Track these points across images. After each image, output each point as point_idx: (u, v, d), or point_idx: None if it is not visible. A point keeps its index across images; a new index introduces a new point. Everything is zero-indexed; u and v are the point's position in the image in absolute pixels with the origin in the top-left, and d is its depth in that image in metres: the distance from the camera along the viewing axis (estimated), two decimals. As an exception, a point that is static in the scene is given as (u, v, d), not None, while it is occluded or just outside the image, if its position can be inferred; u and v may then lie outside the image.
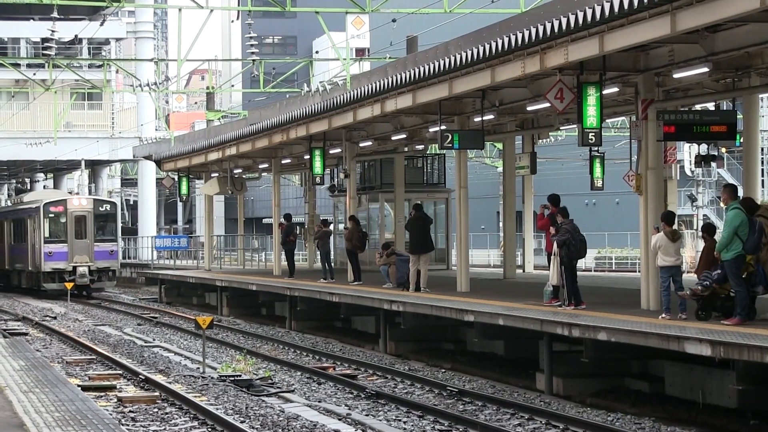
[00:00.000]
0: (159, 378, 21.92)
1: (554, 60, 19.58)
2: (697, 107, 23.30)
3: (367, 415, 17.81)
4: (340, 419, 17.47)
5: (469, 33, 23.05)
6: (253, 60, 41.26)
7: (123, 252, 60.79)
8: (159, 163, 50.71)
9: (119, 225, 55.13)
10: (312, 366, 23.64)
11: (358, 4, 32.80)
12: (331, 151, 35.19)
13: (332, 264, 34.81)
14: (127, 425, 16.89)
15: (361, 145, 34.41)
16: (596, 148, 24.27)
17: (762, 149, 54.19)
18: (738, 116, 21.77)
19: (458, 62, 22.22)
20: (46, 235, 49.11)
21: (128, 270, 61.48)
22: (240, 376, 21.95)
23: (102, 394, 20.07)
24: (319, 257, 37.40)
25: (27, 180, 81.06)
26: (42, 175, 78.99)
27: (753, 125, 24.13)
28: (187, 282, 43.85)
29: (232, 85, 75.16)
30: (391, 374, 22.38)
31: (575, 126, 22.05)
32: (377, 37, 67.54)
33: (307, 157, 35.16)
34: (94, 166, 68.57)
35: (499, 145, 41.16)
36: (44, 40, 49.65)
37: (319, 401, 19.22)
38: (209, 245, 47.70)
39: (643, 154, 20.21)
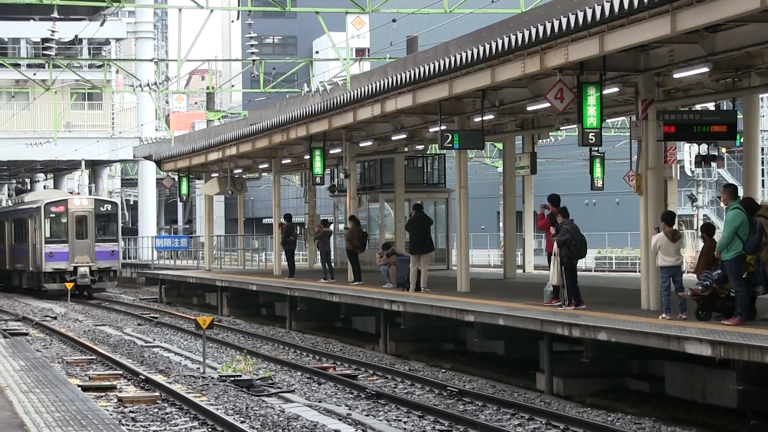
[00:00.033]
0: (159, 378, 21.92)
1: (554, 60, 19.58)
2: (698, 107, 23.30)
3: (367, 416, 17.81)
4: (340, 419, 17.47)
5: (469, 33, 23.05)
6: (253, 60, 41.26)
7: (123, 252, 60.73)
8: (159, 163, 50.72)
9: (120, 225, 55.11)
10: (312, 366, 23.64)
11: (358, 4, 32.80)
12: (332, 151, 35.19)
13: (332, 264, 34.80)
14: (128, 425, 16.89)
15: (361, 145, 34.41)
16: (596, 148, 24.28)
17: (762, 149, 54.19)
18: (738, 116, 21.77)
19: (458, 62, 22.22)
20: (47, 235, 49.06)
21: (128, 270, 61.48)
22: (240, 376, 21.95)
23: (102, 394, 20.07)
24: (319, 257, 37.40)
25: (27, 180, 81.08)
26: (42, 175, 79.01)
27: (753, 125, 24.13)
28: (187, 282, 43.86)
29: (232, 86, 75.17)
30: (392, 374, 22.38)
31: (575, 126, 22.05)
32: (377, 37, 67.53)
33: (307, 157, 35.16)
34: (95, 167, 68.58)
35: (499, 145, 41.17)
36: (44, 40, 49.69)
37: (320, 401, 19.22)
38: (209, 245, 47.71)
39: (643, 154, 20.21)
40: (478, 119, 25.81)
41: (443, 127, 26.16)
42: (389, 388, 20.81)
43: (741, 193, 21.93)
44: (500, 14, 30.07)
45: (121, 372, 22.94)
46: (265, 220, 78.80)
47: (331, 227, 38.58)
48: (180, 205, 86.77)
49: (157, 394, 19.85)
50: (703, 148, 26.07)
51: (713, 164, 29.79)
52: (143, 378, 21.56)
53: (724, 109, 23.50)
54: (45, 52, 46.36)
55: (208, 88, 57.79)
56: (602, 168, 27.38)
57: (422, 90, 25.14)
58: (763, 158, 54.88)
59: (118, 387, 20.93)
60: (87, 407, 15.35)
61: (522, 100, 24.71)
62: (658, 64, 19.94)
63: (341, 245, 40.24)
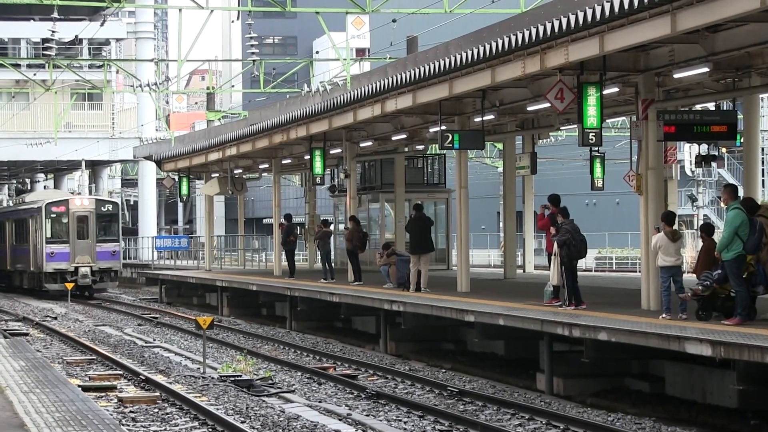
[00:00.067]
0: (159, 378, 21.92)
1: (554, 60, 19.58)
2: (698, 107, 23.29)
3: (367, 416, 17.81)
4: (340, 419, 17.47)
5: (470, 33, 23.05)
6: (254, 60, 41.26)
7: (123, 252, 60.75)
8: (159, 163, 50.71)
9: (120, 225, 55.10)
10: (312, 366, 23.64)
11: (358, 4, 32.80)
12: (332, 152, 35.19)
13: (332, 264, 34.80)
14: (128, 425, 16.89)
15: (361, 145, 34.42)
16: (596, 148, 24.29)
17: (762, 149, 54.18)
18: (738, 116, 21.77)
19: (458, 62, 22.22)
20: (48, 235, 49.01)
21: (129, 270, 61.46)
22: (240, 376, 21.95)
23: (102, 394, 20.07)
24: (319, 257, 37.40)
25: (27, 180, 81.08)
26: (42, 175, 79.01)
27: (753, 125, 24.13)
28: (187, 282, 43.86)
29: (233, 86, 75.15)
30: (392, 374, 22.38)
31: (575, 126, 22.06)
32: (377, 38, 67.53)
33: (307, 157, 35.16)
34: (95, 167, 68.57)
35: (500, 145, 41.16)
36: (44, 40, 49.68)
37: (320, 401, 19.22)
38: (209, 245, 47.71)
39: (643, 154, 20.22)
40: (478, 119, 25.81)
41: (443, 127, 26.16)
42: (389, 388, 20.81)
43: (741, 193, 21.94)
44: (500, 14, 30.06)
45: (121, 372, 22.94)
46: (265, 221, 78.81)
47: (332, 227, 38.58)
48: (180, 205, 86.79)
49: (157, 394, 19.85)
50: (704, 148, 26.07)
51: (713, 164, 29.79)
52: (143, 378, 21.56)
53: (725, 109, 23.51)
54: (45, 52, 46.36)
55: (208, 88, 57.77)
56: (602, 168, 27.38)
57: (422, 90, 25.14)
58: (763, 158, 54.86)
59: (118, 387, 20.93)
60: (87, 407, 15.35)
61: (522, 100, 24.71)
62: (658, 64, 19.94)
63: (341, 245, 40.24)
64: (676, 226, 19.32)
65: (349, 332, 30.66)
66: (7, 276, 55.78)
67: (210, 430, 16.71)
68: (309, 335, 31.03)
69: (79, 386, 19.29)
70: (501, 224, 41.78)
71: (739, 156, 41.09)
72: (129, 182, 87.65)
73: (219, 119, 58.54)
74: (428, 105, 26.10)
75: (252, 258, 55.22)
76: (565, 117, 27.42)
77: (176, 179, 50.16)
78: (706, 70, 19.04)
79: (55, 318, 38.18)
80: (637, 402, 18.54)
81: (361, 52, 72.98)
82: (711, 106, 23.36)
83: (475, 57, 21.46)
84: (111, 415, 16.80)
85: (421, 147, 37.36)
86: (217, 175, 45.95)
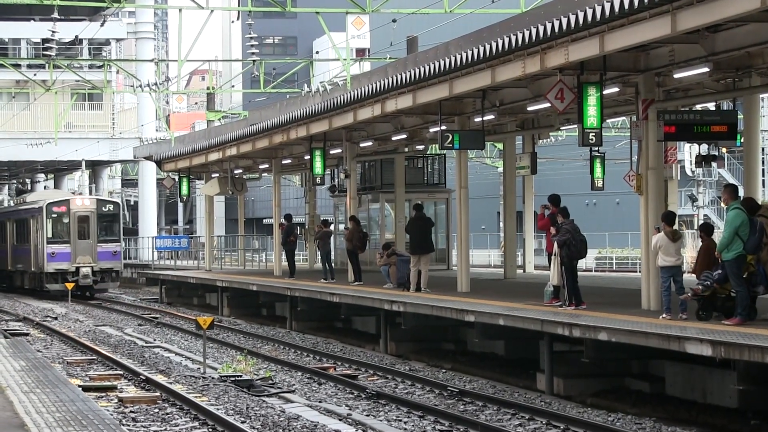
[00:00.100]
0: (160, 378, 21.92)
1: (555, 60, 19.59)
2: (698, 107, 23.30)
3: (367, 416, 17.81)
4: (340, 419, 17.47)
5: (470, 33, 23.05)
6: (254, 60, 41.28)
7: (123, 252, 60.76)
8: (159, 163, 50.71)
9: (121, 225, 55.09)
10: (312, 366, 23.65)
11: (359, 4, 32.80)
12: (332, 152, 35.19)
13: (333, 264, 34.80)
14: (128, 425, 16.89)
15: (361, 145, 34.42)
16: (597, 148, 24.29)
17: (763, 149, 54.18)
18: (738, 116, 21.77)
19: (458, 62, 22.22)
20: (49, 235, 48.95)
21: (129, 270, 61.46)
22: (241, 376, 21.96)
23: (103, 394, 20.08)
24: (319, 257, 37.41)
25: (27, 180, 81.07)
26: (42, 175, 79.02)
27: (753, 125, 24.12)
28: (187, 282, 43.86)
29: (233, 86, 75.16)
30: (392, 374, 22.38)
31: (576, 126, 22.05)
32: (377, 38, 67.54)
33: (307, 157, 35.17)
34: (95, 167, 68.57)
35: (500, 146, 41.17)
36: (45, 40, 49.70)
37: (320, 401, 19.23)
38: (210, 246, 47.71)
39: (643, 154, 20.22)
40: (478, 119, 25.81)
41: (443, 128, 26.16)
42: (389, 388, 20.81)
43: (741, 193, 21.93)
44: (500, 14, 30.07)
45: (121, 372, 22.94)
46: (265, 221, 78.82)
47: (332, 227, 38.58)
48: (180, 205, 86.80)
49: (157, 394, 19.85)
50: (704, 148, 26.07)
51: (714, 164, 29.77)
52: (144, 378, 21.56)
53: (725, 109, 23.51)
54: (45, 52, 46.38)
55: (208, 88, 57.77)
56: (602, 168, 27.37)
57: (422, 90, 25.14)
58: (763, 158, 54.86)
59: (118, 387, 20.94)
60: (87, 407, 15.35)
61: (522, 100, 24.71)
62: (658, 64, 19.94)
63: (341, 245, 40.24)
64: (676, 226, 19.32)
65: (350, 332, 30.66)
66: (8, 276, 55.74)
67: (210, 430, 16.71)
68: (309, 335, 31.03)
69: (79, 386, 19.30)
70: (501, 224, 41.78)
71: (740, 156, 41.10)
72: (129, 182, 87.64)
73: (219, 119, 58.56)
74: (428, 105, 26.10)
75: (252, 258, 55.22)
76: (565, 117, 27.42)
77: (176, 179, 50.16)
78: (706, 70, 19.04)
79: (56, 318, 38.19)
80: (638, 402, 18.54)
81: (361, 52, 72.99)
82: (711, 106, 23.36)
83: (475, 57, 21.46)
84: (111, 415, 16.80)
85: (421, 147, 37.36)
86: (218, 175, 45.95)
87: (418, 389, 20.65)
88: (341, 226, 40.89)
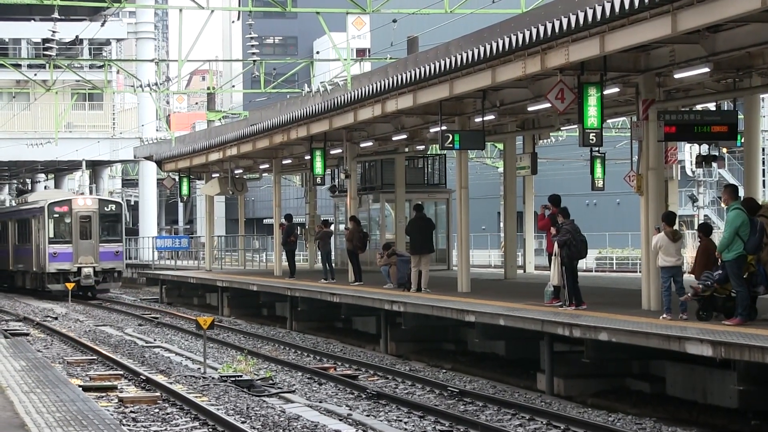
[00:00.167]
0: (160, 378, 21.92)
1: (555, 60, 19.58)
2: (698, 107, 23.29)
3: (368, 416, 17.81)
4: (341, 420, 17.47)
5: (470, 33, 23.05)
6: (254, 60, 41.29)
7: (124, 252, 60.74)
8: (160, 163, 50.70)
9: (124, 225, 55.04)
10: (313, 366, 23.65)
11: (359, 4, 32.81)
12: (332, 152, 35.19)
13: (333, 264, 34.80)
14: (128, 426, 16.89)
15: (361, 145, 34.42)
16: (597, 149, 24.29)
17: (763, 149, 54.16)
18: (739, 116, 21.77)
19: (459, 62, 22.22)
20: (51, 235, 48.90)
21: (129, 270, 61.46)
22: (241, 376, 21.96)
23: (103, 394, 20.08)
24: (319, 258, 37.41)
25: (28, 181, 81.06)
26: (43, 175, 79.03)
27: (754, 125, 24.13)
28: (188, 282, 43.87)
29: (233, 86, 75.17)
30: (392, 375, 22.38)
31: (576, 126, 22.04)
32: (378, 38, 67.52)
33: (307, 157, 35.17)
34: (95, 167, 68.57)
35: (500, 146, 41.16)
36: (45, 40, 49.67)
37: (320, 402, 19.23)
38: (210, 246, 47.72)
39: (643, 154, 20.21)
40: (478, 119, 25.81)
41: (444, 128, 26.16)
42: (390, 388, 20.81)
43: (742, 193, 21.93)
44: (501, 14, 30.08)
45: (121, 372, 22.94)
46: (265, 221, 78.82)
47: (332, 227, 38.59)
48: (181, 205, 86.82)
49: (157, 394, 19.85)
50: (704, 149, 26.07)
51: (714, 164, 29.74)
52: (144, 378, 21.56)
53: (725, 109, 23.50)
54: (46, 52, 46.35)
55: (208, 88, 57.77)
56: (603, 168, 27.37)
57: (423, 90, 25.14)
58: (763, 158, 54.85)
59: (118, 387, 20.94)
60: (88, 407, 15.35)
61: (523, 100, 24.71)
62: (658, 64, 19.94)
63: (342, 245, 40.24)
64: (676, 227, 19.32)
65: (350, 332, 30.66)
66: (9, 276, 55.70)
67: (210, 430, 16.71)
68: (309, 335, 31.03)
69: (79, 386, 19.30)
70: (501, 224, 41.79)
71: (740, 156, 41.12)
72: (129, 182, 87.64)
73: (219, 119, 58.57)
74: (429, 105, 26.11)
75: (252, 258, 55.22)
76: (565, 117, 27.42)
77: (177, 179, 50.16)
78: (706, 70, 19.04)
79: (56, 318, 38.19)
80: (638, 402, 18.54)
81: (361, 53, 73.00)
82: (711, 106, 23.36)
83: (476, 57, 21.46)
84: (111, 415, 16.80)
85: (421, 147, 37.36)
86: (218, 175, 45.96)
87: (418, 389, 20.65)
88: (341, 227, 40.89)
